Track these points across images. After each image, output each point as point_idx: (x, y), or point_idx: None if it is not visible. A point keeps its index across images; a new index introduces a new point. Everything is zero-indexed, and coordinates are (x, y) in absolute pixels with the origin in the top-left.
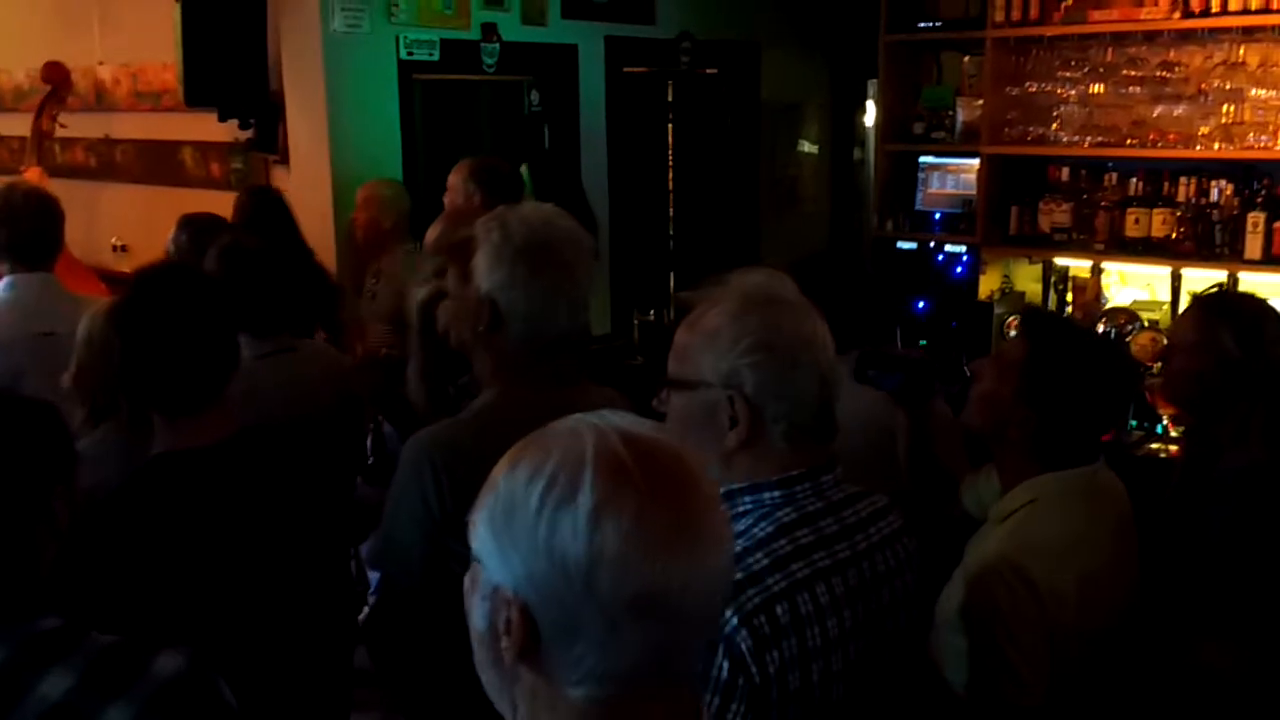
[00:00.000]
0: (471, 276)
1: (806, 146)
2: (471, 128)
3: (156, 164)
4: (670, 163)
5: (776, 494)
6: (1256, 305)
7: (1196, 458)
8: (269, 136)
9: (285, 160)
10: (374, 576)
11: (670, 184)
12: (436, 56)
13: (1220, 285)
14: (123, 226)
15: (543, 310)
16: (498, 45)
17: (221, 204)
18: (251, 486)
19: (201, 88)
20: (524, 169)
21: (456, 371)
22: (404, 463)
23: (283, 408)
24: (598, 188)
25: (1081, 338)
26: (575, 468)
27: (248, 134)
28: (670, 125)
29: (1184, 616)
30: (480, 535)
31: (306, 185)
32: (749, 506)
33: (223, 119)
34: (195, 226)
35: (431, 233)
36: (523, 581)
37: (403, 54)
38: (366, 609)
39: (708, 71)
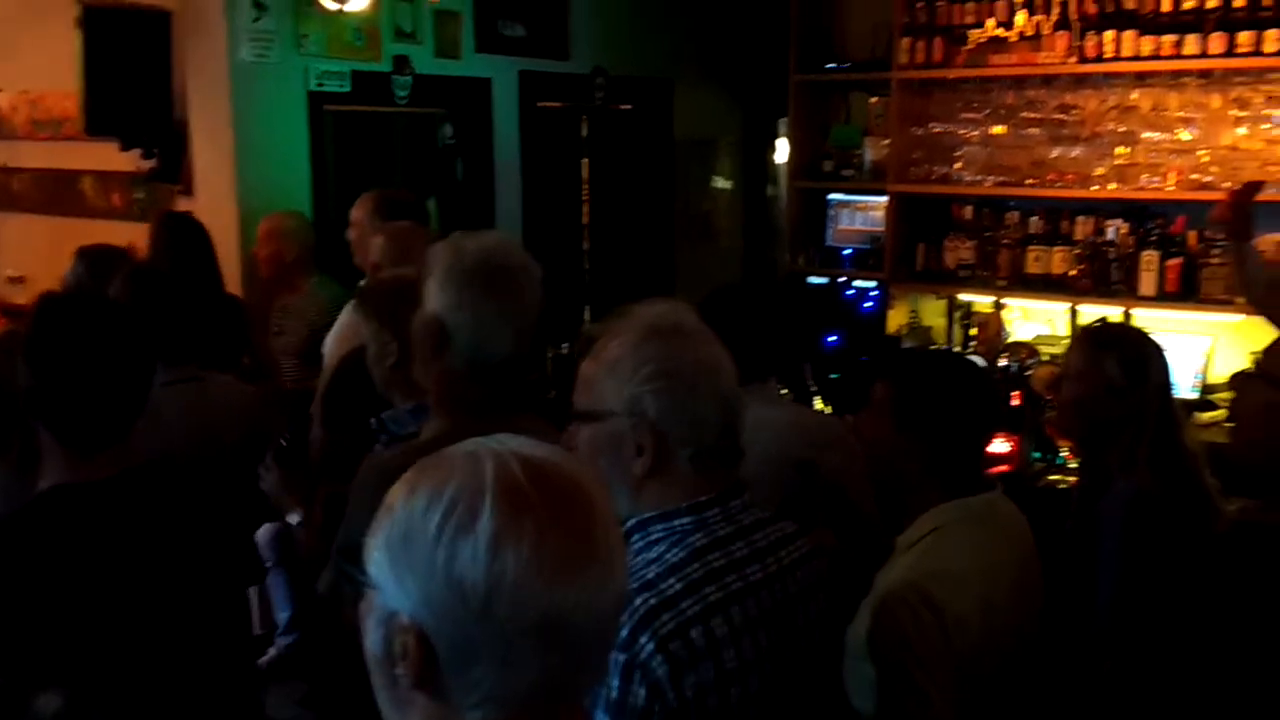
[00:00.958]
0: (424, 298)
1: (720, 182)
2: (384, 160)
3: (56, 194)
4: (585, 197)
5: (687, 520)
6: (1139, 335)
7: (1090, 488)
8: (173, 167)
9: (189, 191)
10: (283, 617)
11: (585, 218)
12: (348, 88)
13: (1105, 318)
14: (20, 258)
15: (489, 334)
16: (410, 78)
17: (123, 235)
18: (144, 523)
19: (103, 116)
20: (431, 202)
21: (378, 406)
22: (359, 487)
23: (186, 439)
24: (512, 221)
25: (936, 361)
26: (474, 494)
27: (151, 164)
28: (585, 160)
29: (1088, 640)
30: (376, 560)
31: (211, 217)
32: (661, 534)
33: (125, 148)
34: (93, 258)
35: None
36: (420, 607)
37: (312, 85)
38: (273, 650)
39: (622, 107)
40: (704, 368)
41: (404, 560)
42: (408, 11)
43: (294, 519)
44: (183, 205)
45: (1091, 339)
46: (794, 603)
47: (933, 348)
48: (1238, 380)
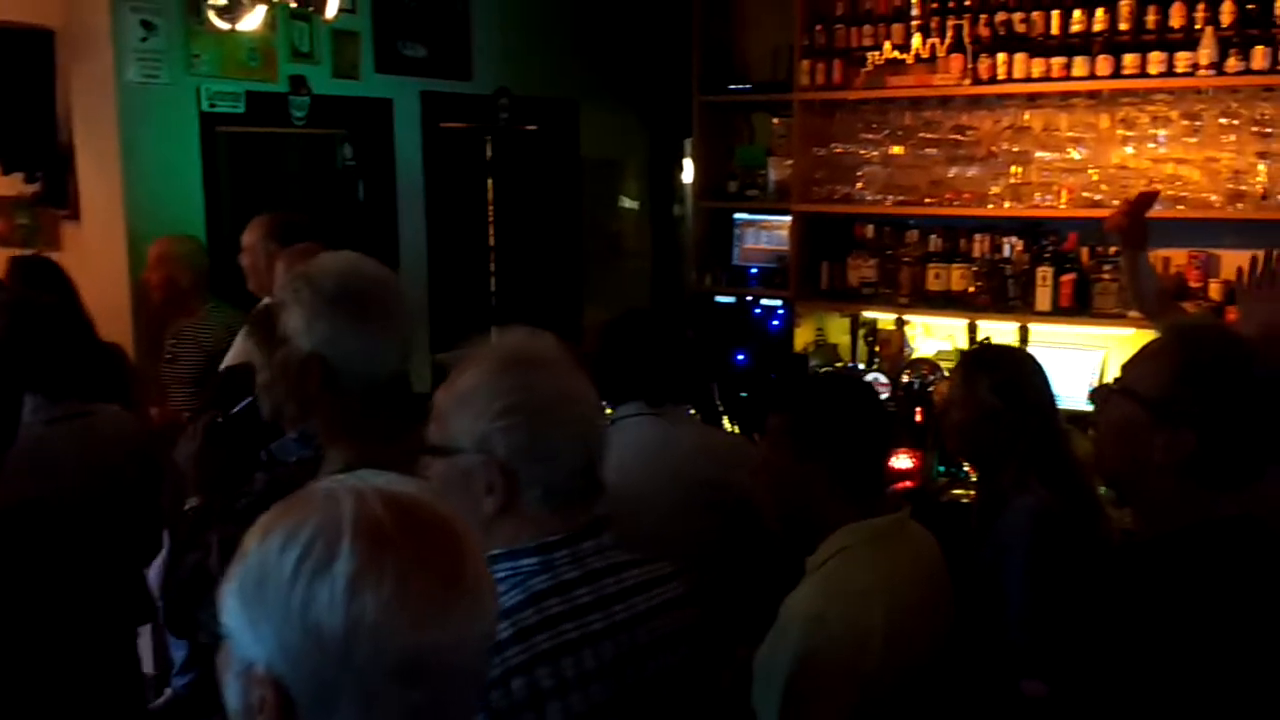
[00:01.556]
0: (287, 339)
1: (627, 202)
2: (281, 182)
3: None
4: (491, 218)
5: (534, 561)
6: (1015, 357)
7: (987, 504)
8: (58, 190)
9: (76, 215)
10: (179, 656)
11: (491, 240)
12: (242, 109)
13: (988, 339)
14: None
15: (373, 356)
16: (308, 98)
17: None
18: (14, 566)
19: None
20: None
21: (270, 435)
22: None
23: (77, 476)
24: (416, 244)
25: (827, 387)
26: (332, 534)
27: (34, 188)
28: (490, 181)
29: (1000, 653)
30: (230, 609)
31: (99, 242)
32: (506, 573)
33: (7, 171)
34: None
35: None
36: (276, 656)
37: (205, 106)
38: (170, 691)
39: (527, 128)
40: (560, 401)
41: (258, 607)
42: (304, 31)
43: (191, 503)
44: (69, 230)
45: (968, 364)
46: (643, 654)
47: (831, 368)
48: (1100, 395)
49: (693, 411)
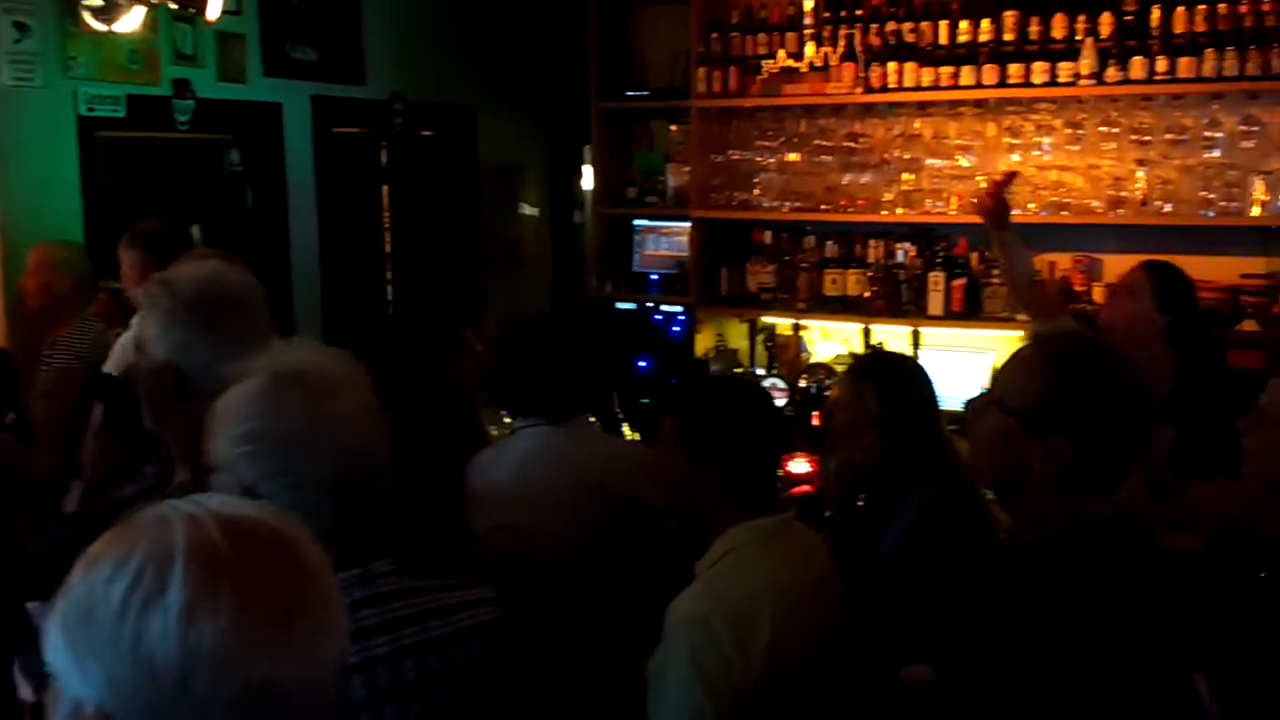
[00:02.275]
0: (145, 347)
1: (527, 209)
2: (165, 188)
3: None
4: (387, 225)
5: None
6: (899, 364)
7: (877, 505)
8: None
9: None
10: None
11: (388, 247)
12: (123, 113)
13: (880, 345)
14: None
15: (228, 364)
16: (192, 102)
17: None
18: None
19: None
20: (195, 229)
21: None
22: None
23: None
24: (308, 251)
25: (718, 390)
26: (163, 561)
27: None
28: (385, 187)
29: (887, 643)
30: (54, 646)
31: None
32: None
33: None
34: None
35: None
36: (106, 693)
37: (82, 110)
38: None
39: (423, 133)
40: (315, 428)
41: (85, 642)
42: (188, 34)
43: (71, 501)
44: None
45: (854, 373)
46: (437, 680)
47: (726, 373)
48: (974, 407)
49: (593, 419)
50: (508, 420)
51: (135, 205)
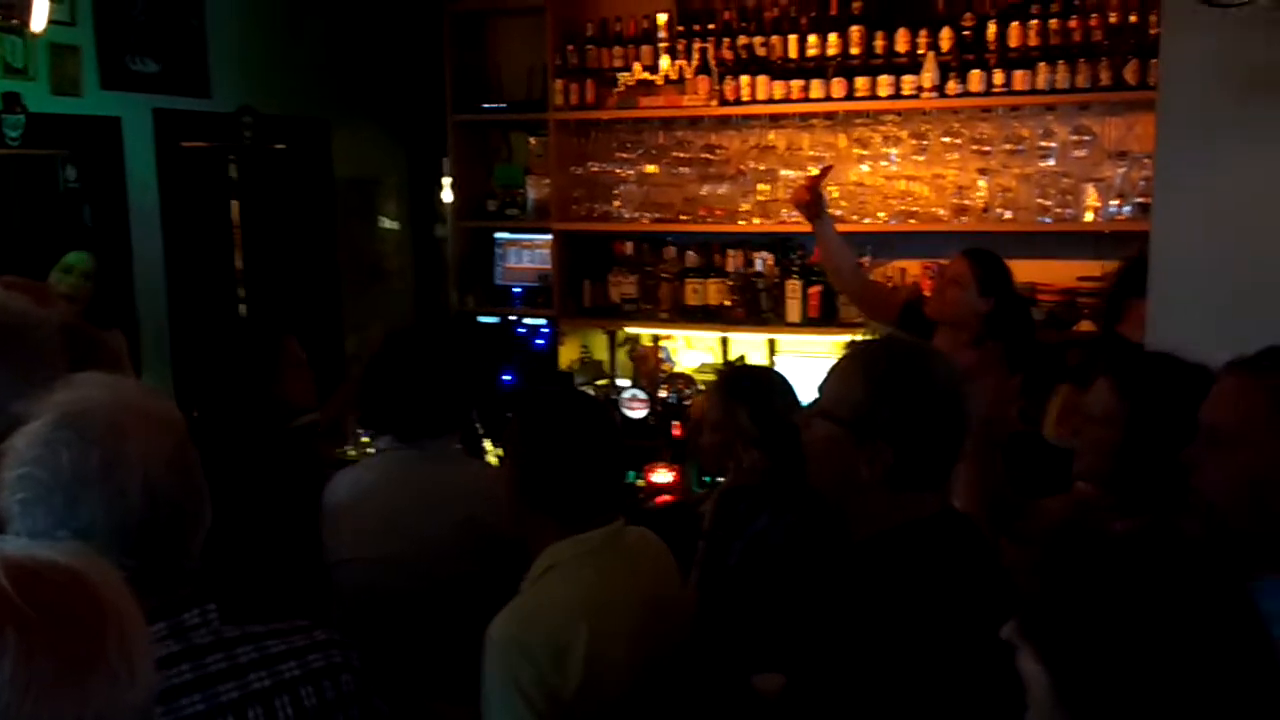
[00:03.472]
0: None
1: (387, 223)
2: None
3: None
4: (238, 241)
5: None
6: (768, 381)
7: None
8: None
9: None
10: None
11: (239, 263)
12: None
13: (741, 357)
14: None
15: (15, 403)
16: (22, 116)
17: None
18: None
19: None
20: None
21: None
22: None
23: None
24: (153, 270)
25: (544, 426)
26: None
27: None
28: (235, 202)
29: (735, 652)
30: None
31: None
32: None
33: None
34: None
35: None
36: None
37: None
38: None
39: (275, 147)
40: (96, 473)
41: None
42: (17, 45)
43: None
44: None
45: (725, 391)
46: None
47: (562, 393)
48: (802, 418)
49: (459, 446)
50: (364, 440)
51: None
